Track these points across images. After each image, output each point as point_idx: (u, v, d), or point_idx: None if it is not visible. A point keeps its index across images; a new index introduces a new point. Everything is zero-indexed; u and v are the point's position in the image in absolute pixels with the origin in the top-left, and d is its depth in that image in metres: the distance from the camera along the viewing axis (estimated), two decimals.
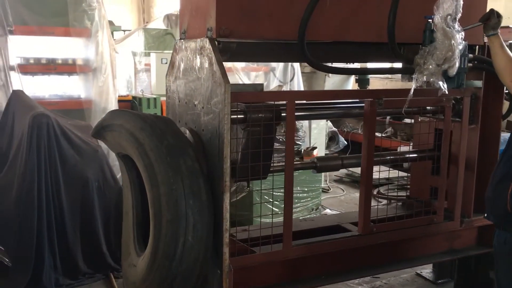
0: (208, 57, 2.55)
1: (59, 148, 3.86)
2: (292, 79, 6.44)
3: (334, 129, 9.32)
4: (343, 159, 3.38)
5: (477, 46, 3.37)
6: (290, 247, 2.95)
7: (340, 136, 9.27)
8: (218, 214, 2.57)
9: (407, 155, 3.67)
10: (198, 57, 2.69)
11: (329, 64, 3.02)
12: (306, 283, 3.09)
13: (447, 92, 2.82)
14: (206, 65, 2.58)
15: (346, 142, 8.87)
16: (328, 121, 9.19)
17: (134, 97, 7.73)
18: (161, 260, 2.48)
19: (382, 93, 3.06)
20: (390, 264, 3.40)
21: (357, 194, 3.28)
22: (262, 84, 2.68)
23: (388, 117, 9.11)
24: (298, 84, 6.51)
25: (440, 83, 2.80)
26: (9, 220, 3.78)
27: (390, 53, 2.92)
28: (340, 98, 3.24)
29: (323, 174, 7.31)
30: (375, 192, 7.11)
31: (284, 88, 6.19)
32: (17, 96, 4.31)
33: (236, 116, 2.73)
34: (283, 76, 6.42)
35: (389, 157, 3.54)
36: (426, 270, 4.32)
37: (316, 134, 7.11)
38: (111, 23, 12.11)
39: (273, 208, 3.94)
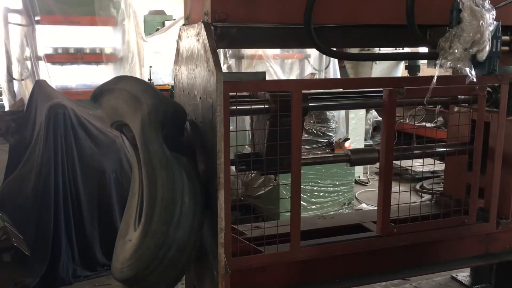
0: (203, 43, 2.37)
1: (76, 139, 3.83)
2: (327, 67, 6.14)
3: (379, 118, 8.92)
4: (380, 152, 3.10)
5: None
6: (298, 248, 2.74)
7: None
8: (214, 213, 2.40)
9: (440, 149, 3.34)
10: (196, 44, 2.52)
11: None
12: (317, 287, 2.89)
13: (475, 80, 2.49)
14: (202, 52, 2.40)
15: None
16: (373, 110, 8.80)
17: (173, 86, 7.71)
18: (157, 226, 2.28)
19: (403, 81, 2.77)
20: (414, 268, 3.11)
21: (397, 188, 3.03)
22: (264, 72, 2.47)
23: (438, 106, 8.63)
24: (334, 72, 6.20)
25: (467, 69, 2.48)
26: (28, 210, 3.81)
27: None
28: (354, 87, 2.97)
29: (362, 166, 7.01)
30: (418, 186, 6.75)
31: (317, 77, 5.91)
32: (40, 86, 4.32)
33: (234, 107, 2.55)
34: (318, 64, 6.13)
35: (420, 151, 3.23)
36: (463, 274, 3.98)
37: (354, 124, 6.79)
38: (162, 12, 12.23)
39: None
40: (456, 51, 2.49)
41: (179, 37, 2.90)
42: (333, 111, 5.22)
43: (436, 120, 9.12)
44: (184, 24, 2.84)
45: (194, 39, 2.54)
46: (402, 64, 9.94)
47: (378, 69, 9.88)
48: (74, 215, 3.85)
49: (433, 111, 8.66)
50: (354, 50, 7.36)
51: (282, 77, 5.73)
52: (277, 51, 6.14)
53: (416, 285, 3.87)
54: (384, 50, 7.18)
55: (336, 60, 6.21)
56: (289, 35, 2.59)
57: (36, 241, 3.76)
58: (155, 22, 8.57)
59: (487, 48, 2.46)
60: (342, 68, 9.64)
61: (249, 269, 2.67)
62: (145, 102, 2.29)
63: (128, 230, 2.71)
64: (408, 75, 9.27)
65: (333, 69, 6.17)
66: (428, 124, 8.91)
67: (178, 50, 2.95)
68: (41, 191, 3.74)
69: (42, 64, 4.76)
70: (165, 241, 2.30)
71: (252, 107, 2.58)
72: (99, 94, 2.57)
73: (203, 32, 2.36)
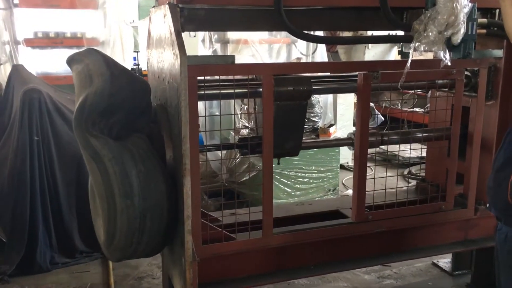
0: (169, 25, 2.31)
1: (52, 125, 3.77)
2: (314, 52, 6.04)
3: (371, 104, 8.83)
4: (383, 135, 3.07)
5: (498, 10, 2.91)
6: (270, 234, 2.70)
7: (376, 111, 8.80)
8: (180, 200, 2.35)
9: (420, 134, 3.29)
10: (163, 26, 2.45)
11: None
12: (291, 274, 2.87)
13: (449, 64, 2.42)
14: (168, 35, 2.34)
15: (383, 118, 8.40)
16: None
17: None
18: (121, 202, 2.25)
19: (378, 65, 2.70)
20: (392, 255, 3.09)
21: (381, 174, 3.01)
22: (233, 56, 2.42)
23: (430, 92, 8.56)
24: (322, 57, 6.10)
25: (441, 53, 2.41)
26: (3, 196, 3.75)
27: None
28: (328, 71, 2.91)
29: (350, 152, 6.93)
30: (405, 172, 6.71)
31: (304, 61, 5.82)
32: (17, 71, 4.24)
33: (212, 91, 2.50)
34: (306, 49, 6.03)
35: (396, 136, 3.18)
36: (444, 260, 3.96)
37: (343, 109, 6.72)
38: None
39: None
40: (430, 34, 2.41)
41: (150, 19, 2.84)
42: (317, 96, 5.16)
43: (427, 106, 9.07)
44: (154, 6, 2.77)
45: (162, 22, 2.47)
46: (395, 49, 9.83)
47: (371, 54, 9.76)
48: (51, 201, 3.80)
49: (424, 96, 8.62)
50: (347, 34, 7.30)
51: (269, 62, 5.63)
52: (264, 36, 6.03)
53: (396, 271, 3.84)
54: (378, 33, 7.11)
55: (324, 45, 6.10)
56: (259, 17, 2.51)
57: (12, 228, 3.71)
58: (150, 6, 8.46)
59: (462, 31, 2.38)
60: (335, 53, 9.54)
61: (221, 256, 2.64)
62: (94, 86, 2.22)
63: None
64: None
65: (321, 54, 6.08)
66: (418, 110, 8.89)
67: (149, 33, 2.89)
68: (17, 177, 3.68)
69: (21, 48, 4.67)
70: (135, 213, 2.28)
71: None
72: (71, 61, 2.52)
73: (169, 14, 2.30)
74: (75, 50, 4.94)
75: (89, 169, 2.33)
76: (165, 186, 2.35)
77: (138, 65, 6.10)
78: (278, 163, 3.00)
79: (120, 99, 2.26)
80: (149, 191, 2.28)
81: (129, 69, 5.34)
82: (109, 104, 2.23)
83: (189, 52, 2.20)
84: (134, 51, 5.88)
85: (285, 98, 2.58)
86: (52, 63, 5.00)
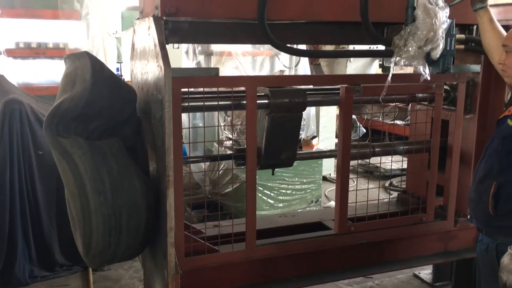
0: (153, 38, 2.32)
1: (33, 136, 3.72)
2: (297, 64, 6.10)
3: (353, 116, 8.92)
4: (374, 147, 3.11)
5: (475, 26, 2.99)
6: (253, 246, 2.71)
7: (358, 123, 8.90)
8: (163, 212, 2.34)
9: (401, 147, 3.34)
10: (147, 38, 2.46)
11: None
12: (274, 286, 2.86)
13: (429, 78, 2.48)
14: (152, 47, 2.34)
15: (365, 130, 8.48)
16: None
17: None
18: (94, 199, 2.21)
19: (360, 79, 2.75)
20: (373, 266, 3.12)
21: (363, 185, 3.04)
22: (217, 68, 2.43)
23: (410, 105, 8.68)
24: (305, 69, 6.15)
25: (421, 67, 2.47)
26: None
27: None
28: (311, 84, 2.94)
29: (333, 164, 6.98)
30: (387, 184, 6.78)
31: (287, 74, 5.86)
32: None
33: (197, 103, 2.51)
34: (289, 61, 6.09)
35: (379, 149, 3.22)
36: (425, 271, 4.00)
37: (325, 121, 6.79)
38: (135, 8, 11.99)
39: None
40: (410, 49, 2.47)
41: (134, 31, 2.84)
42: None
43: (408, 119, 9.20)
44: (137, 18, 2.78)
45: (146, 34, 2.48)
46: (376, 62, 9.97)
47: (353, 67, 9.88)
48: (31, 213, 3.74)
49: (404, 109, 8.74)
50: (330, 47, 7.39)
51: (252, 74, 5.66)
52: (247, 48, 6.06)
53: (378, 282, 3.87)
54: (359, 47, 7.19)
55: (306, 58, 6.16)
56: (243, 30, 2.54)
57: None
58: (133, 18, 8.48)
59: (441, 46, 2.45)
60: (317, 65, 9.64)
61: (204, 269, 2.64)
62: (73, 91, 2.22)
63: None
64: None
65: (303, 67, 6.14)
66: (399, 122, 9.00)
67: (133, 45, 2.89)
68: None
69: (2, 58, 4.63)
70: (109, 210, 2.25)
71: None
72: (66, 59, 2.49)
73: (153, 26, 2.31)
74: (57, 61, 4.96)
75: (60, 170, 2.29)
76: (140, 184, 2.32)
77: (121, 76, 6.09)
78: (273, 174, 3.05)
79: (98, 107, 2.25)
80: (122, 188, 2.26)
81: None
82: (85, 111, 2.22)
83: (173, 64, 2.21)
84: (117, 62, 5.86)
85: (281, 110, 2.62)
86: (34, 73, 4.96)
